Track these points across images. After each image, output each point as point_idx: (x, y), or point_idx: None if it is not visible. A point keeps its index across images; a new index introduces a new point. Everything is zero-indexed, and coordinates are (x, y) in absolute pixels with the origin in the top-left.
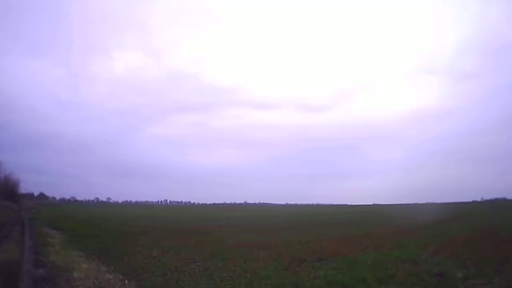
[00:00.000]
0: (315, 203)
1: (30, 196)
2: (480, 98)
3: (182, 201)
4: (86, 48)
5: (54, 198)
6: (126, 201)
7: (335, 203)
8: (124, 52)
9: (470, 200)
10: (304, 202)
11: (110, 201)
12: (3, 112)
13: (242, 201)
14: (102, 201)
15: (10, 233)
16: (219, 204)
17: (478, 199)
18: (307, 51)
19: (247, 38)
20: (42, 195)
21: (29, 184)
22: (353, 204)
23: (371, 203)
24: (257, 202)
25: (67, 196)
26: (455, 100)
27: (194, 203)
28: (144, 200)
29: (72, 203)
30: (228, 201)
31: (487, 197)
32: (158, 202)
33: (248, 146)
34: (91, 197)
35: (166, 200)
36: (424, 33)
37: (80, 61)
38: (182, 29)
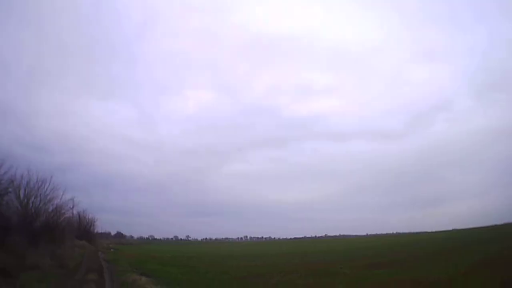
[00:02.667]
0: (395, 232)
1: (107, 235)
2: None
3: (262, 237)
4: (158, 88)
5: (132, 237)
6: (205, 239)
7: (414, 230)
8: (196, 90)
9: None
10: (384, 232)
11: (189, 238)
12: (77, 154)
13: (323, 234)
14: (181, 239)
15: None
16: (299, 238)
17: None
18: (380, 76)
19: (318, 68)
20: (119, 234)
21: (105, 224)
22: (432, 231)
23: (450, 229)
24: (338, 234)
25: (145, 235)
26: None
27: (274, 238)
28: (224, 237)
29: (151, 242)
30: (308, 235)
31: None
32: (238, 238)
33: (326, 178)
34: (169, 235)
35: (247, 236)
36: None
37: (153, 101)
38: (253, 63)
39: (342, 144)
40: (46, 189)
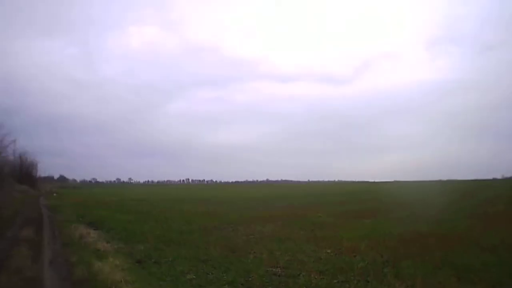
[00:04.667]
0: (337, 179)
1: (49, 179)
2: (505, 70)
3: (204, 180)
4: (100, 25)
5: (74, 180)
6: (148, 181)
7: (357, 179)
8: (140, 27)
9: (490, 177)
10: (326, 179)
11: (131, 181)
12: (18, 96)
13: (265, 179)
14: (123, 181)
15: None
16: (241, 182)
17: (498, 177)
18: (328, 18)
19: (265, 6)
20: (62, 178)
21: (48, 167)
22: (374, 181)
23: (392, 180)
24: (280, 179)
25: (88, 178)
26: (478, 72)
27: (216, 181)
28: (166, 180)
29: (94, 185)
30: (250, 179)
31: (509, 174)
32: (179, 181)
33: (269, 120)
34: (112, 178)
35: (188, 179)
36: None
37: (95, 39)
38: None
39: (286, 86)
40: None
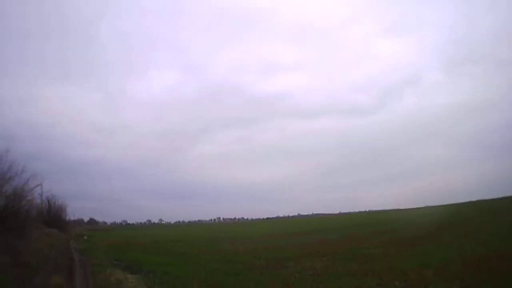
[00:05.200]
0: (367, 209)
1: (79, 222)
2: None
3: (235, 218)
4: (121, 70)
5: (105, 222)
6: (179, 221)
7: (387, 208)
8: (160, 71)
9: None
10: (357, 210)
11: (162, 222)
12: (41, 141)
13: (296, 213)
14: (154, 223)
15: None
16: (273, 218)
17: None
18: (348, 48)
19: (281, 41)
20: (92, 221)
21: (77, 211)
22: (404, 208)
23: (423, 205)
24: (310, 213)
25: (118, 220)
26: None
27: (247, 218)
28: (197, 219)
29: (124, 227)
30: (281, 215)
31: None
32: (210, 220)
33: (295, 157)
34: (142, 219)
35: (219, 217)
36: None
37: (117, 84)
38: (216, 40)
39: (310, 122)
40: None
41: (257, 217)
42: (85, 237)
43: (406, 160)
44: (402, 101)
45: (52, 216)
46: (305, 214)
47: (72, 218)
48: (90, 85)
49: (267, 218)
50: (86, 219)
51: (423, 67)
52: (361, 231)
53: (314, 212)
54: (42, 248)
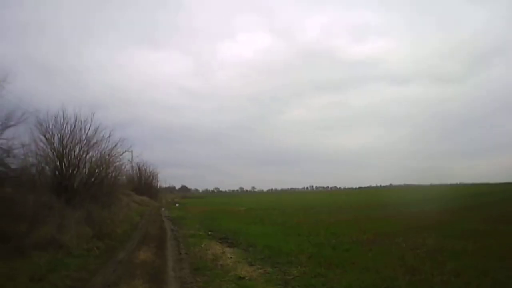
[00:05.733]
0: (458, 182)
1: (171, 189)
2: None
3: (328, 186)
4: (211, 34)
5: (197, 190)
6: (271, 189)
7: (479, 181)
8: (250, 34)
9: None
10: (448, 182)
11: (255, 190)
12: (134, 108)
13: (388, 183)
14: (246, 190)
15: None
16: (365, 187)
17: None
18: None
19: (373, 8)
20: (184, 188)
21: (169, 178)
22: (494, 182)
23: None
24: (402, 183)
25: (210, 188)
26: None
27: (339, 187)
28: (289, 187)
29: (216, 194)
30: (373, 184)
31: None
32: (303, 188)
33: (387, 123)
34: (235, 187)
35: (312, 186)
36: None
37: (207, 48)
38: (306, 4)
39: (401, 87)
40: (87, 131)
41: (349, 186)
42: (177, 205)
43: (500, 132)
44: (494, 69)
45: (143, 183)
46: (397, 184)
47: (163, 185)
48: (179, 49)
49: (359, 188)
50: (177, 186)
51: None
52: (457, 205)
53: (406, 183)
54: (131, 217)
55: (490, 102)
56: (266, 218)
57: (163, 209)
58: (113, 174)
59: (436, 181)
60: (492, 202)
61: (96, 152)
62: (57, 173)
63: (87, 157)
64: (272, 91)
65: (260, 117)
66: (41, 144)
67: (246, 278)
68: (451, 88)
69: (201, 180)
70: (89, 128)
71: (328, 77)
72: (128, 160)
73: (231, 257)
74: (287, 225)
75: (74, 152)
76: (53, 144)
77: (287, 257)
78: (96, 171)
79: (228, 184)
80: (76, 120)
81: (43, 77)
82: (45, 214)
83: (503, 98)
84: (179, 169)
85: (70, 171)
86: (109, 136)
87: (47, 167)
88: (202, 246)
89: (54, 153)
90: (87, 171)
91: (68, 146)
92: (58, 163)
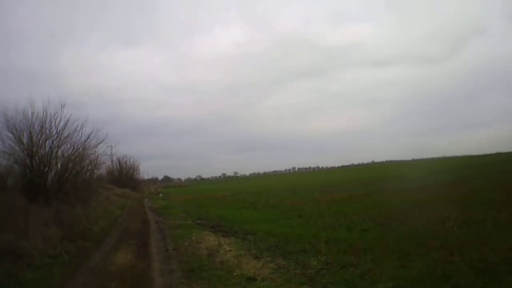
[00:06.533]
0: (440, 156)
1: (153, 180)
2: None
3: (310, 167)
4: (185, 30)
5: (179, 179)
6: (253, 173)
7: (459, 154)
8: (226, 28)
9: None
10: (430, 156)
11: (237, 175)
12: (113, 107)
13: (370, 161)
14: (229, 176)
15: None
16: (347, 166)
17: None
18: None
19: None
20: (166, 178)
21: (151, 170)
22: (475, 154)
23: (493, 152)
24: (384, 160)
25: (193, 176)
26: None
27: (322, 167)
28: (271, 170)
29: (199, 182)
30: (355, 162)
31: None
32: (286, 170)
33: (368, 106)
34: (217, 174)
35: (294, 167)
36: None
37: (182, 44)
38: None
39: (382, 71)
40: (57, 125)
41: (331, 165)
42: (160, 195)
43: (476, 108)
44: (471, 50)
45: (124, 176)
46: (379, 161)
47: (145, 177)
48: (155, 47)
49: (342, 166)
50: (160, 177)
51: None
52: (455, 177)
53: (387, 159)
54: (111, 211)
55: (472, 82)
56: (256, 202)
57: (146, 200)
58: (89, 167)
59: (417, 156)
60: (493, 172)
61: (69, 146)
62: (27, 171)
63: (59, 152)
64: (252, 81)
65: (240, 106)
66: (9, 142)
67: (257, 278)
68: (432, 68)
69: (184, 170)
70: (59, 121)
71: (308, 63)
72: (108, 155)
73: (230, 250)
74: (282, 207)
75: (45, 147)
76: (22, 141)
77: (299, 245)
78: (70, 165)
79: (210, 171)
80: (45, 113)
81: (24, 80)
82: (5, 217)
83: (483, 76)
84: (161, 161)
85: (42, 168)
86: (82, 128)
87: (16, 166)
88: (193, 238)
89: (24, 150)
90: (59, 166)
91: (38, 142)
92: (28, 161)
